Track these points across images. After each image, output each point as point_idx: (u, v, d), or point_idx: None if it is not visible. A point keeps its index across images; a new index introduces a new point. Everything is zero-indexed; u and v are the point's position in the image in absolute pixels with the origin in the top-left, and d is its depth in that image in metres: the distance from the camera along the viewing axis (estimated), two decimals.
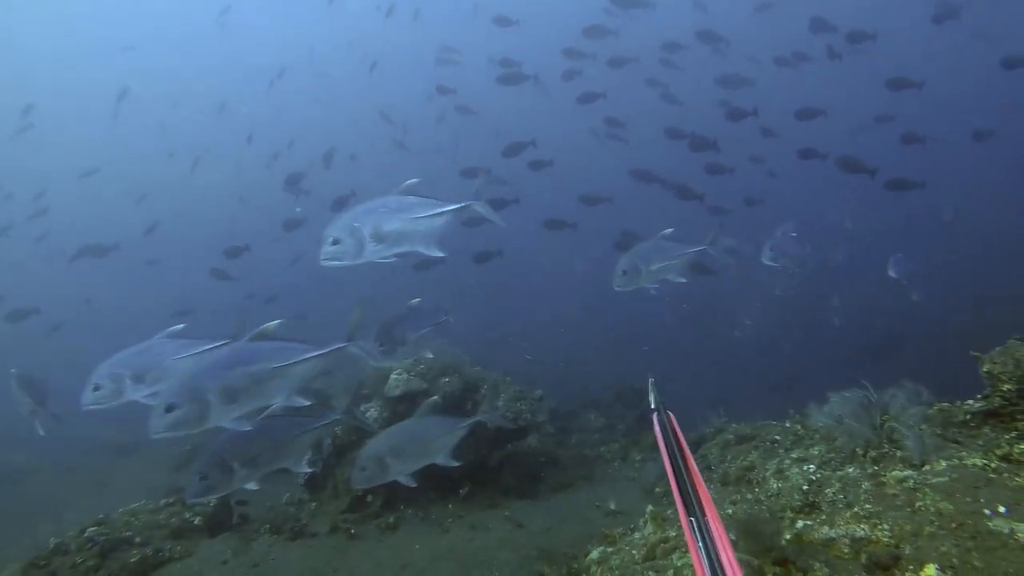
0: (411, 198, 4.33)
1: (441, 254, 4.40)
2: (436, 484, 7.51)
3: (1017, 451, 3.67)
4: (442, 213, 4.38)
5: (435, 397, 7.27)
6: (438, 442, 5.18)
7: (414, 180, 4.35)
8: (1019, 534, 2.70)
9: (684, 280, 5.08)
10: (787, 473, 4.07)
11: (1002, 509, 2.90)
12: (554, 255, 22.03)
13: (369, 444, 4.96)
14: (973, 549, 2.71)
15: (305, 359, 4.08)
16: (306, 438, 4.68)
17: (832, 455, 4.38)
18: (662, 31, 15.78)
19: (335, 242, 4.02)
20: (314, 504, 7.39)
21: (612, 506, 6.23)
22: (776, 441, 5.62)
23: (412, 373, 7.72)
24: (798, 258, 7.15)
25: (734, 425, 6.53)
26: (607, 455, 8.21)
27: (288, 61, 28.43)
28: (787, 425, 6.06)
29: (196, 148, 25.86)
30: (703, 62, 15.81)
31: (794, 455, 4.66)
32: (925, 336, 14.47)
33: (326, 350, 4.22)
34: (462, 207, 4.44)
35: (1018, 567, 2.55)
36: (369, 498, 7.38)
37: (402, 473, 4.87)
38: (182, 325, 4.54)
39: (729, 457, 5.60)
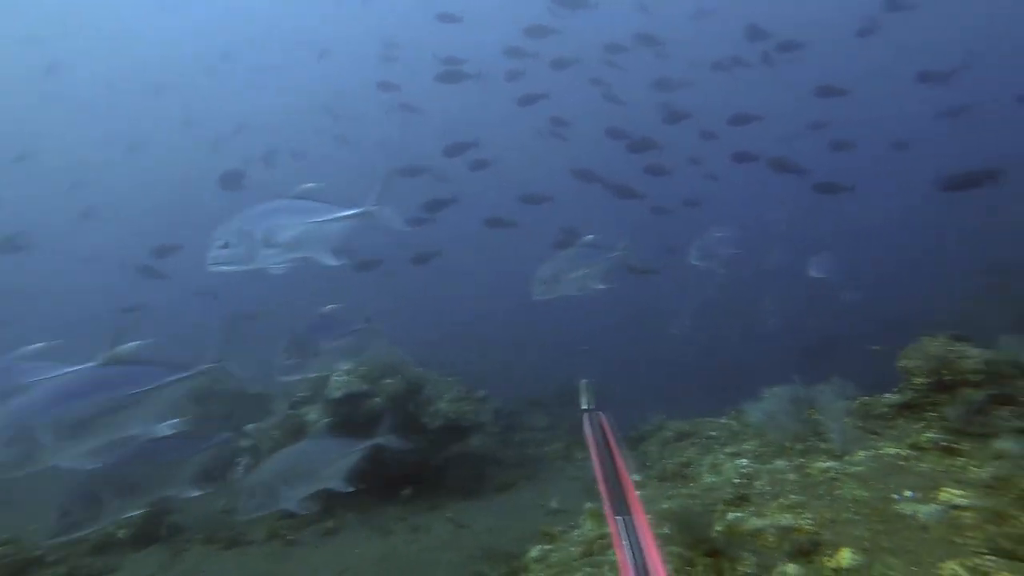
0: (307, 202, 4.09)
1: (335, 262, 4.13)
2: (377, 487, 7.42)
3: (924, 439, 3.94)
4: (338, 219, 4.13)
5: (326, 420, 7.21)
6: (331, 466, 4.89)
7: (311, 184, 4.12)
8: (920, 515, 2.89)
9: (608, 286, 5.06)
10: (721, 468, 4.23)
11: (908, 493, 3.11)
12: (497, 254, 22.11)
13: (257, 470, 4.71)
14: (883, 532, 2.89)
15: (162, 384, 3.73)
16: (196, 460, 4.34)
17: (764, 449, 4.58)
18: (605, 32, 16.04)
19: (225, 245, 3.78)
20: None
21: (554, 504, 6.30)
22: (713, 437, 5.83)
23: (354, 375, 7.59)
24: (724, 259, 7.22)
25: (673, 423, 6.71)
26: (550, 454, 8.30)
27: (232, 47, 27.57)
28: (724, 421, 6.29)
29: (133, 134, 24.63)
30: (646, 64, 16.19)
31: (728, 450, 4.84)
32: (857, 334, 15.23)
33: (188, 373, 3.88)
34: (358, 213, 4.15)
35: (917, 544, 2.74)
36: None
37: (292, 500, 4.57)
38: (40, 344, 4.04)
39: (668, 453, 5.76)
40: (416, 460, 7.86)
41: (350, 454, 5.02)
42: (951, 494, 2.96)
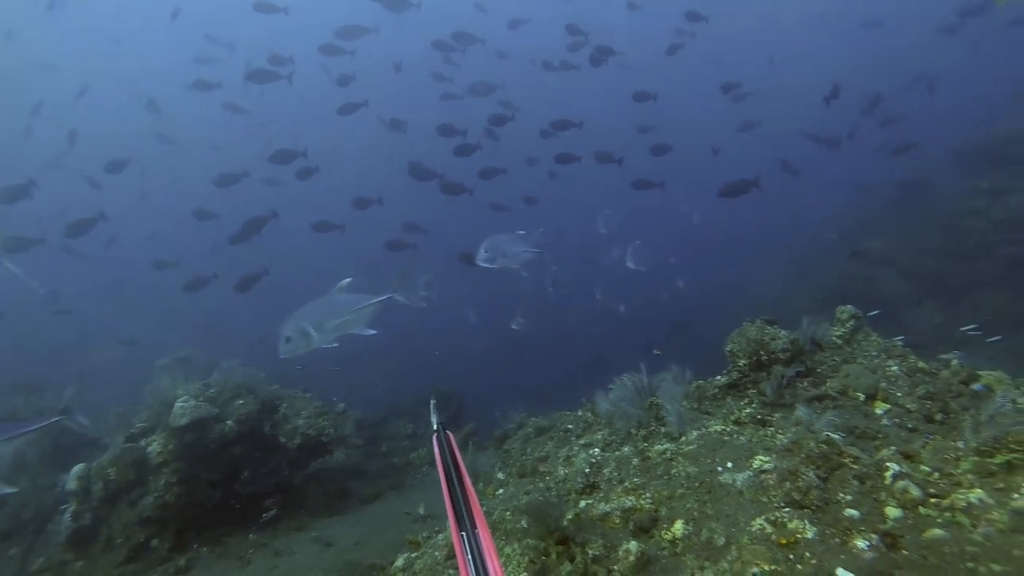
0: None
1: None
2: (234, 514, 6.96)
3: (744, 415, 4.48)
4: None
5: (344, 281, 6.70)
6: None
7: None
8: (737, 482, 3.31)
9: (373, 332, 5.26)
10: (574, 459, 4.49)
11: (729, 464, 3.52)
12: (328, 258, 21.69)
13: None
14: (708, 501, 3.26)
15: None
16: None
17: (613, 437, 4.92)
18: (432, 32, 16.13)
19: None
20: (81, 563, 6.39)
21: (421, 511, 6.29)
22: (569, 430, 6.13)
23: (201, 398, 7.03)
24: (516, 257, 6.86)
25: (533, 419, 6.97)
26: (416, 461, 8.27)
27: None
28: (579, 414, 6.62)
29: None
30: (481, 65, 16.60)
31: (582, 441, 5.14)
32: (700, 320, 16.78)
33: (31, 428, 4.02)
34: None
35: (735, 508, 3.13)
36: (154, 542, 6.59)
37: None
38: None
39: (528, 449, 5.98)
40: (276, 481, 7.49)
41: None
42: (760, 460, 3.41)
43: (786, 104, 24.09)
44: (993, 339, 8.43)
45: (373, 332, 5.27)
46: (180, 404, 6.92)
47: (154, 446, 6.80)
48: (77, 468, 6.78)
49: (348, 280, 5.25)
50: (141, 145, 20.50)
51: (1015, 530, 2.57)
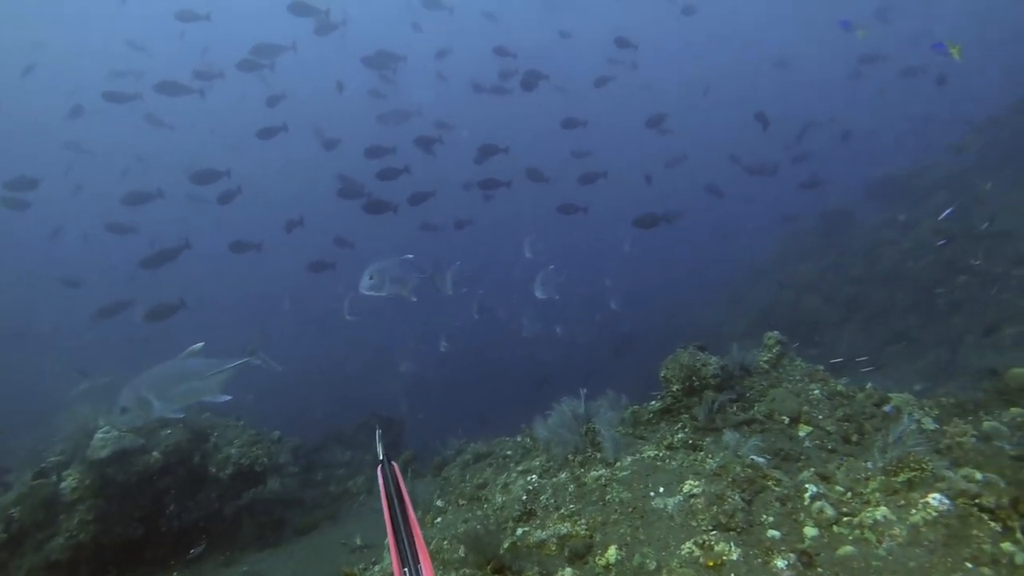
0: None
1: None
2: (157, 550, 6.61)
3: (676, 440, 4.63)
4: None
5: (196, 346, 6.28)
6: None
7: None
8: (668, 507, 3.42)
9: (227, 398, 5.05)
10: (512, 487, 4.51)
11: (661, 489, 3.64)
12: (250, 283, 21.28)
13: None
14: (640, 526, 3.36)
15: None
16: None
17: (551, 464, 4.97)
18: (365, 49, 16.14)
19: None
20: None
21: (358, 542, 6.15)
22: (508, 456, 6.15)
23: (124, 429, 6.67)
24: (404, 283, 6.61)
25: (472, 445, 6.94)
26: (354, 489, 8.07)
27: None
28: (519, 440, 6.65)
29: None
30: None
31: (520, 468, 5.17)
32: (639, 344, 17.20)
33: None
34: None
35: (666, 532, 3.24)
36: None
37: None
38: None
39: (468, 476, 5.95)
40: (205, 513, 7.16)
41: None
42: (690, 485, 3.54)
43: (718, 133, 25.30)
44: (866, 369, 9.08)
45: (227, 398, 5.04)
46: (100, 435, 6.56)
47: (69, 481, 6.38)
48: None
49: (200, 345, 4.98)
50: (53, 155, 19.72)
51: (912, 543, 2.78)
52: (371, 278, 6.39)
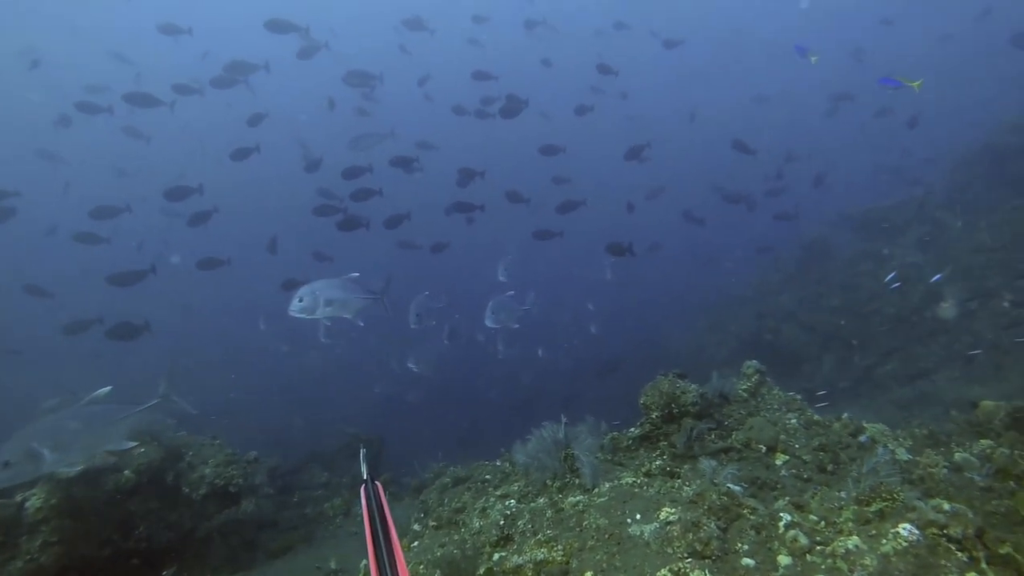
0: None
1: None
2: (124, 573, 6.43)
3: (655, 467, 4.65)
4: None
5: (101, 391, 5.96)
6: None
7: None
8: (645, 534, 3.43)
9: (132, 444, 4.78)
10: (489, 511, 4.49)
11: (638, 516, 3.65)
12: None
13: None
14: (617, 552, 3.36)
15: None
16: None
17: (529, 489, 4.97)
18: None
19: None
20: None
21: (333, 565, 6.06)
22: (487, 480, 6.12)
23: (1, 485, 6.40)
24: (344, 305, 6.17)
25: (452, 468, 6.90)
26: (330, 511, 7.95)
27: None
28: (498, 464, 6.64)
29: None
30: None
31: (499, 492, 5.15)
32: (626, 364, 17.27)
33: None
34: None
35: (641, 559, 3.24)
36: None
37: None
38: None
39: (446, 500, 5.91)
40: (177, 535, 6.99)
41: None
42: (667, 512, 3.55)
43: (701, 163, 25.80)
44: (822, 404, 9.30)
45: (132, 445, 4.74)
46: None
47: (33, 501, 6.20)
48: None
49: (106, 389, 4.68)
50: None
51: (882, 573, 2.82)
52: (301, 300, 5.86)
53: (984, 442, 4.58)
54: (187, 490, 6.98)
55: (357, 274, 6.19)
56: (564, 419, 5.34)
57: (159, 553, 6.77)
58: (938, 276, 9.80)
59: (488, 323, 8.23)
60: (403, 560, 1.61)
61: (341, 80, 14.33)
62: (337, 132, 15.75)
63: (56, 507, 6.13)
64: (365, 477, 2.00)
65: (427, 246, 14.02)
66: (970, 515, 2.99)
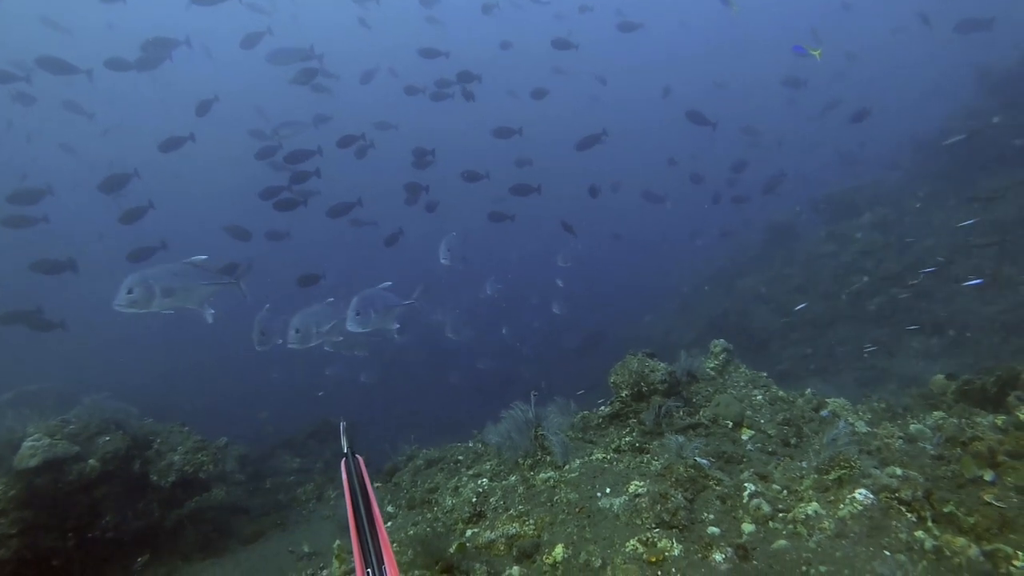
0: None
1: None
2: (89, 563, 6.32)
3: (624, 443, 4.74)
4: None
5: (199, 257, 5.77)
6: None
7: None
8: (614, 507, 3.51)
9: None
10: (462, 490, 4.53)
11: (608, 490, 3.73)
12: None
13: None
14: (587, 525, 3.43)
15: None
16: None
17: (501, 467, 5.03)
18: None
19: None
20: None
21: (306, 549, 6.04)
22: (459, 461, 6.17)
23: (58, 436, 6.36)
24: (186, 294, 5.49)
25: (424, 450, 6.93)
26: (302, 496, 7.91)
27: None
28: (470, 445, 6.69)
29: None
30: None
31: (471, 472, 5.20)
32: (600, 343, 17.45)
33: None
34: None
35: (611, 531, 3.33)
36: None
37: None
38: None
39: (419, 481, 5.94)
40: (147, 523, 6.88)
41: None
42: (636, 485, 3.64)
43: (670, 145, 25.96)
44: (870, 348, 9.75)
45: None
46: (29, 443, 6.22)
47: None
48: None
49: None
50: None
51: (839, 535, 2.94)
52: (130, 291, 5.09)
53: (936, 414, 4.78)
54: (155, 478, 6.86)
55: (205, 256, 5.52)
56: (535, 395, 5.42)
57: (129, 542, 6.66)
58: (978, 280, 10.03)
59: (442, 260, 7.33)
60: (384, 532, 1.59)
61: (265, 59, 13.84)
62: (293, 109, 15.43)
63: (15, 498, 5.96)
64: (346, 451, 1.98)
65: (380, 220, 13.83)
66: (920, 479, 3.14)
